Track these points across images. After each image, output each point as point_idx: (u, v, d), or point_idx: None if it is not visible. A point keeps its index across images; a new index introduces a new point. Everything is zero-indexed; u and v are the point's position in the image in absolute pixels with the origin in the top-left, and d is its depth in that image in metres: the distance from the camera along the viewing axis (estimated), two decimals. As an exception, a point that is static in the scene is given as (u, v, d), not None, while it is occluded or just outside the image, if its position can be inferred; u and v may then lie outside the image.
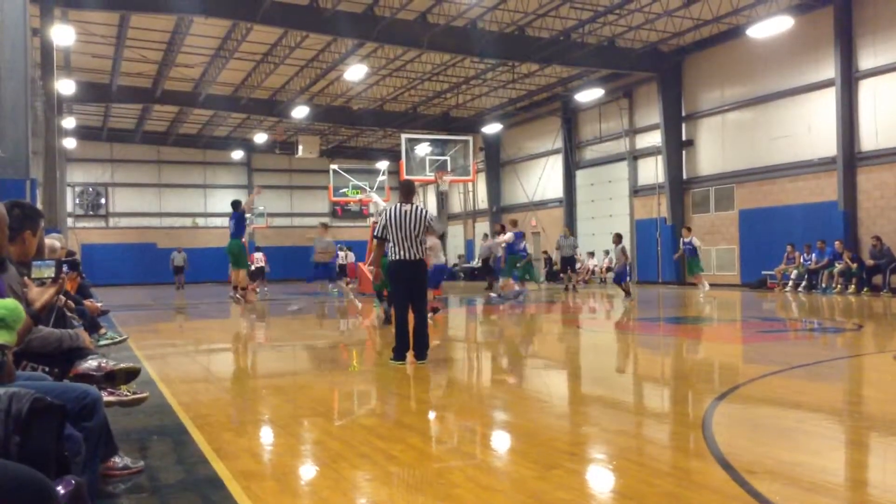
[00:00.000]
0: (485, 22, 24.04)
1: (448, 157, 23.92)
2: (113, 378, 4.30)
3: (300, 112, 31.27)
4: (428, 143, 23.37)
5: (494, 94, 33.02)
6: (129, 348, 10.09)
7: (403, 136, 22.82)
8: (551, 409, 6.45)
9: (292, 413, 6.22)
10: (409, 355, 8.44)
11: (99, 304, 9.40)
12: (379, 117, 36.00)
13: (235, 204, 17.69)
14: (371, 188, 27.61)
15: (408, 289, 8.43)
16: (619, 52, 26.22)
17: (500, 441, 5.30)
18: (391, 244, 8.39)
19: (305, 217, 43.97)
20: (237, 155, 42.24)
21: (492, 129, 35.25)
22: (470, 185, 40.42)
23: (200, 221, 42.56)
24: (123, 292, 29.47)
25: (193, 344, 12.16)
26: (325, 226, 18.24)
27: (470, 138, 23.58)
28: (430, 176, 21.59)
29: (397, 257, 8.35)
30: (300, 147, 36.67)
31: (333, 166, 29.61)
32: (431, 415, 6.35)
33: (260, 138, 38.54)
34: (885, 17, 20.46)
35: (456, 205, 42.80)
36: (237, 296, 18.09)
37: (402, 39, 24.17)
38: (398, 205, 8.47)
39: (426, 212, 8.43)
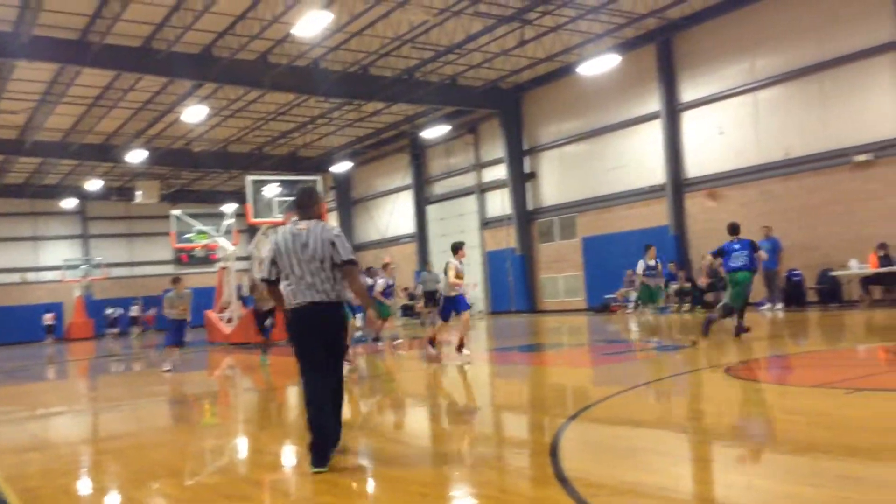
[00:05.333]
0: (328, 62, 24.06)
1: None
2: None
3: (137, 156, 29.88)
4: (276, 184, 22.93)
5: (342, 132, 33.03)
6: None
7: (248, 179, 22.27)
8: (407, 449, 6.38)
9: (132, 478, 5.81)
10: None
11: None
12: (223, 159, 35.07)
13: None
14: (217, 232, 26.72)
15: (320, 349, 5.57)
16: (461, 90, 26.95)
17: (356, 489, 5.16)
18: (286, 283, 5.72)
19: (147, 266, 41.91)
20: (69, 204, 39.65)
21: (341, 167, 35.19)
22: (322, 224, 39.98)
23: (31, 276, 39.61)
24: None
25: (27, 409, 11.21)
26: (176, 280, 14.77)
27: (319, 178, 23.36)
28: (279, 218, 21.13)
29: (296, 302, 5.59)
30: (138, 193, 35.03)
31: (175, 211, 28.41)
32: (286, 467, 6.12)
33: (94, 185, 36.44)
34: (702, 54, 22.17)
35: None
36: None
37: (242, 80, 23.77)
38: (292, 225, 5.79)
39: (332, 230, 5.66)
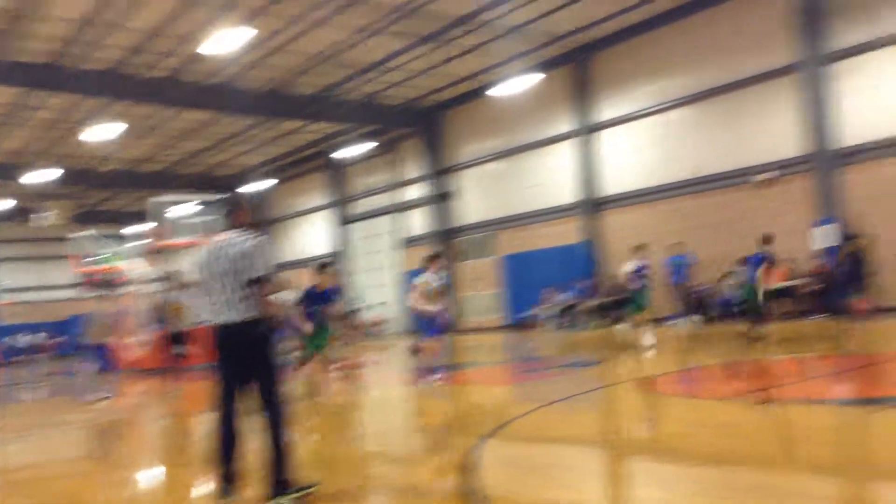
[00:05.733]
0: (244, 79, 23.69)
1: (212, 218, 23.01)
2: None
3: (41, 176, 28.59)
4: (190, 203, 22.37)
5: (259, 150, 32.51)
6: None
7: (155, 199, 21.69)
8: (321, 475, 6.24)
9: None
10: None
11: None
12: (133, 178, 33.99)
13: None
14: (126, 254, 25.84)
15: (233, 371, 5.23)
16: (380, 109, 26.93)
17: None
18: (209, 301, 5.28)
19: (56, 290, 40.17)
20: (-30, 226, 37.80)
21: (258, 186, 34.57)
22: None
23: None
24: None
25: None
26: (102, 299, 12.83)
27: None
28: (190, 238, 20.61)
29: (215, 321, 5.25)
30: (45, 214, 33.59)
31: (79, 233, 27.37)
32: (195, 498, 5.90)
33: (-2, 206, 34.72)
34: (615, 75, 22.76)
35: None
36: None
37: (155, 98, 23.16)
38: (215, 240, 5.41)
39: (250, 242, 5.22)
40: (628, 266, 15.21)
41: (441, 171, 28.47)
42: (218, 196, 25.25)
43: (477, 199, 27.65)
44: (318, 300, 11.54)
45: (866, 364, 10.02)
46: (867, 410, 6.88)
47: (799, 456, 5.27)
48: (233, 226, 5.36)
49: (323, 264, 11.96)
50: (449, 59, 22.46)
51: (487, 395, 10.60)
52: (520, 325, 25.00)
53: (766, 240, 13.42)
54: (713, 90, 20.24)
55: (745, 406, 7.31)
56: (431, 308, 11.35)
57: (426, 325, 11.61)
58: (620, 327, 13.30)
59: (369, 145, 28.20)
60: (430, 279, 11.49)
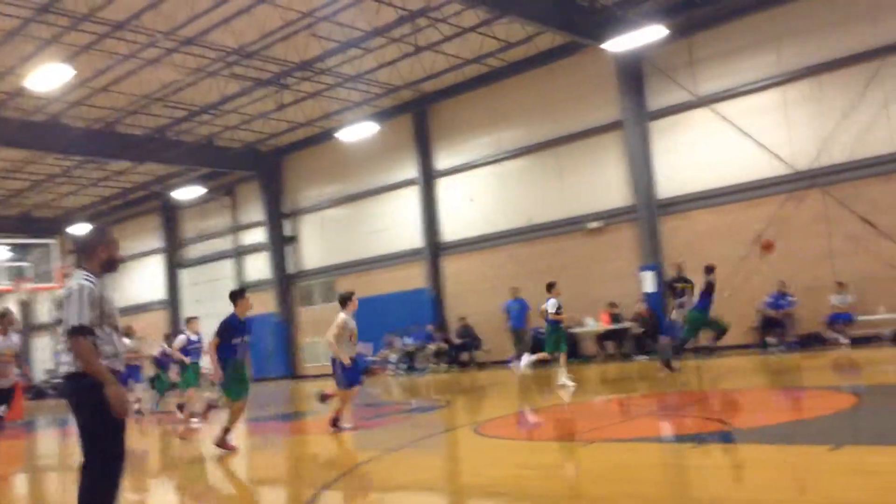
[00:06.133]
0: (69, 117, 22.41)
1: (28, 263, 21.42)
2: None
3: None
4: (6, 248, 20.72)
5: (84, 192, 30.75)
6: None
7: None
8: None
9: None
10: None
11: None
12: (-59, 219, 31.19)
13: None
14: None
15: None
16: (217, 151, 26.21)
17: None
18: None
19: None
20: None
21: (83, 229, 32.58)
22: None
23: None
24: None
25: None
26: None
27: (55, 241, 21.41)
28: (7, 285, 19.04)
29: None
30: None
31: None
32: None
33: None
34: (453, 125, 23.41)
35: (44, 315, 38.38)
36: None
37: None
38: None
39: (68, 290, 4.61)
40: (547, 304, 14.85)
41: (281, 216, 28.02)
42: (36, 241, 23.55)
43: (319, 244, 27.38)
44: (240, 331, 9.94)
45: (688, 402, 10.69)
46: (689, 447, 7.31)
47: (625, 493, 5.49)
48: (80, 267, 4.74)
49: (241, 289, 10.63)
50: (287, 105, 22.28)
51: (328, 445, 10.37)
52: (363, 370, 24.75)
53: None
54: (546, 143, 21.25)
55: (575, 447, 7.57)
56: (343, 354, 10.71)
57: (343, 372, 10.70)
58: (518, 364, 13.80)
59: (205, 188, 27.37)
60: (345, 320, 11.10)
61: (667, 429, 8.77)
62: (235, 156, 26.55)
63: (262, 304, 28.23)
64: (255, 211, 28.69)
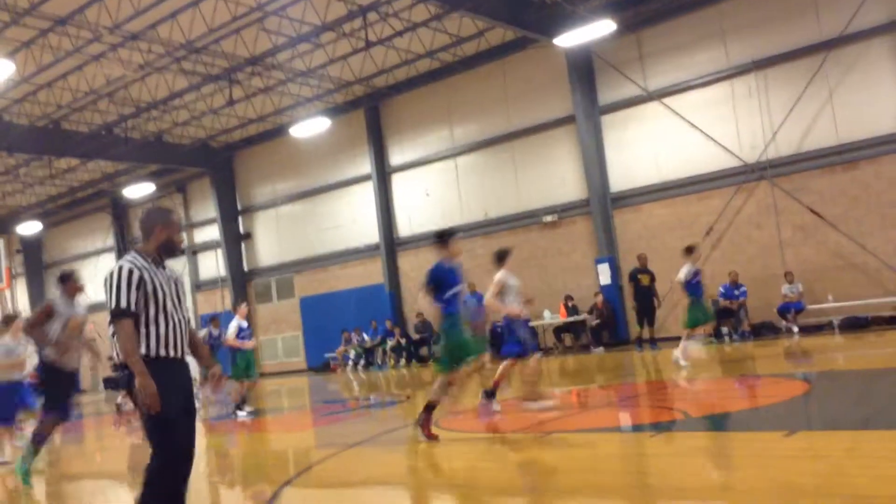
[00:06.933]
0: (12, 114, 21.81)
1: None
2: None
3: None
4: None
5: (30, 190, 29.97)
6: None
7: None
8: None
9: None
10: None
11: None
12: None
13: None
14: None
15: None
16: (167, 148, 25.78)
17: None
18: None
19: None
20: None
21: (29, 228, 31.68)
22: (7, 292, 35.66)
23: None
24: None
25: None
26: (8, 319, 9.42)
27: (1, 240, 20.85)
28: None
29: None
30: None
31: None
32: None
33: None
34: (407, 120, 23.35)
35: (-10, 316, 37.34)
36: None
37: None
38: None
39: (111, 270, 4.61)
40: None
41: (235, 213, 27.68)
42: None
43: (273, 241, 27.12)
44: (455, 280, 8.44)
45: (645, 392, 10.84)
46: (647, 436, 7.42)
47: (582, 483, 5.55)
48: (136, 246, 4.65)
49: (451, 230, 8.98)
50: (238, 101, 21.96)
51: (288, 442, 10.29)
52: (322, 366, 24.64)
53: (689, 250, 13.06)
54: (500, 137, 21.33)
55: (533, 439, 7.62)
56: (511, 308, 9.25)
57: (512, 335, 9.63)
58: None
59: (155, 185, 26.89)
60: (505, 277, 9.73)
61: (625, 419, 8.88)
62: (186, 152, 26.13)
63: (218, 303, 27.91)
64: (207, 208, 28.29)
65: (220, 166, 27.45)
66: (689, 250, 12.84)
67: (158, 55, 18.75)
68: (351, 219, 24.75)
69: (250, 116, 23.85)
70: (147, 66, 19.19)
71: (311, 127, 22.02)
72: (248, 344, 13.20)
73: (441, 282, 8.04)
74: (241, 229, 27.77)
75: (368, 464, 7.55)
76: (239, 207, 27.75)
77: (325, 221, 25.46)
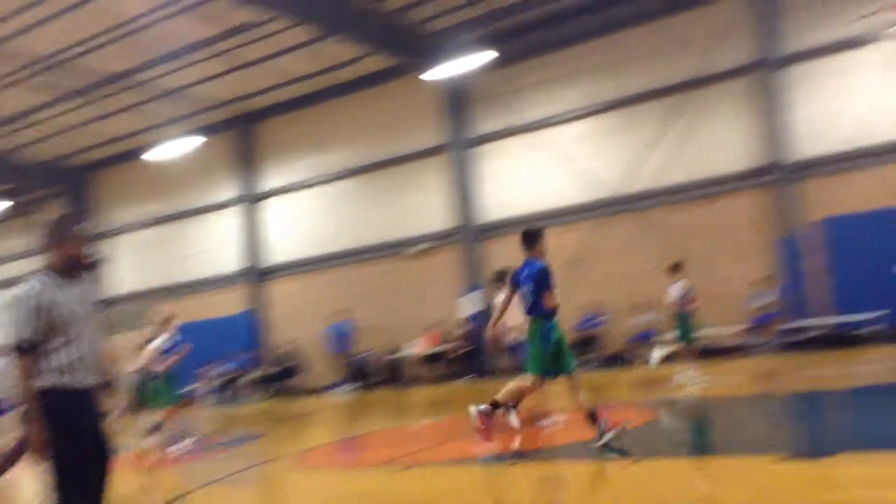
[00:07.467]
0: None
1: None
2: None
3: None
4: None
5: None
6: None
7: None
8: None
9: None
10: None
11: None
12: None
13: None
14: None
15: None
16: (18, 166, 24.19)
17: None
18: None
19: None
20: None
21: None
22: None
23: None
24: None
25: None
26: None
27: None
28: None
29: None
30: None
31: None
32: None
33: None
34: (280, 144, 22.90)
35: None
36: None
37: None
38: None
39: (16, 297, 4.21)
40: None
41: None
42: None
43: (133, 267, 25.84)
44: None
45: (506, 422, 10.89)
46: (506, 465, 7.43)
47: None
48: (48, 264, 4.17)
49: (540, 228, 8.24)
50: (98, 118, 20.96)
51: (141, 480, 9.68)
52: (178, 401, 23.48)
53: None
54: (373, 165, 21.29)
55: (393, 472, 7.49)
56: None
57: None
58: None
59: (2, 206, 25.14)
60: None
61: (484, 449, 8.88)
62: (39, 171, 24.63)
63: (69, 332, 26.22)
64: (60, 231, 26.65)
65: (77, 187, 26.05)
66: (677, 268, 12.61)
67: (12, 70, 17.64)
68: (217, 244, 23.94)
69: (111, 135, 22.74)
70: (-4, 80, 17.98)
71: (177, 147, 21.09)
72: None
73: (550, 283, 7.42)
74: (99, 254, 26.32)
75: (225, 503, 7.20)
76: (96, 231, 26.30)
77: (189, 247, 24.52)
